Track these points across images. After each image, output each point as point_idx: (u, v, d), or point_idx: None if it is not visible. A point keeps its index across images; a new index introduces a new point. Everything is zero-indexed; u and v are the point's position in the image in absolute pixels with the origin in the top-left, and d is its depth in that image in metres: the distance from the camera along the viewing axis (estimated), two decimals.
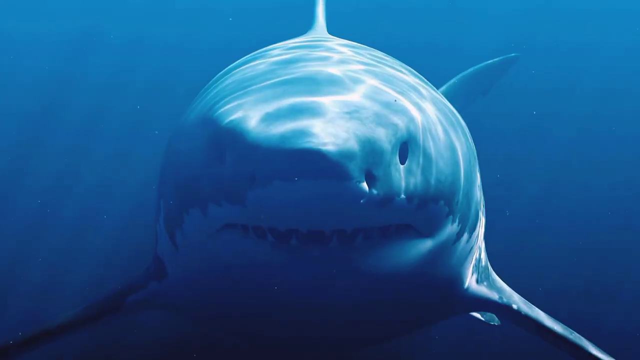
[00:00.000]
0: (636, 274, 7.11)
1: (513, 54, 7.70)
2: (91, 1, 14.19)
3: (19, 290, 6.14)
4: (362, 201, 2.11)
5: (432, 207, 2.37)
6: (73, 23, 13.59)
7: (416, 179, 2.30)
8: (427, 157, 2.37)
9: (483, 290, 3.07)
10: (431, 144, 2.42)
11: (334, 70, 2.60)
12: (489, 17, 15.12)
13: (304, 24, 4.44)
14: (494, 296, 3.10)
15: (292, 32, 4.06)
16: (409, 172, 2.28)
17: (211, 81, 3.11)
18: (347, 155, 2.05)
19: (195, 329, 4.66)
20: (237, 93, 2.48)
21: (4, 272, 6.46)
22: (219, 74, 3.17)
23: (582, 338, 3.15)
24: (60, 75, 11.76)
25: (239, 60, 3.22)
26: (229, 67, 3.20)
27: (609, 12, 14.83)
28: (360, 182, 2.09)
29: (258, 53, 3.23)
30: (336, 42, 3.38)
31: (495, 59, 7.47)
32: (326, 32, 4.31)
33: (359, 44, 3.44)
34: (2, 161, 8.87)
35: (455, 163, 2.54)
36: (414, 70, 3.20)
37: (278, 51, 3.09)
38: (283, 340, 3.16)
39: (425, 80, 3.16)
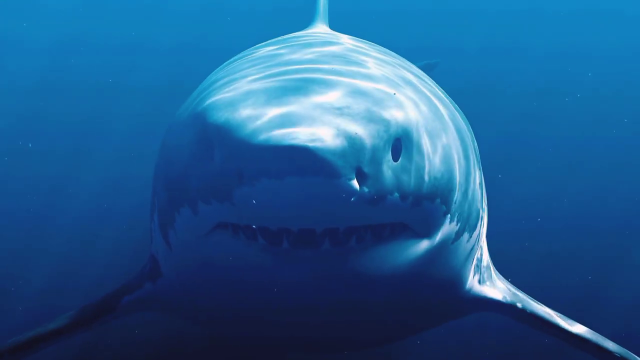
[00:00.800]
0: (636, 274, 7.11)
1: (435, 60, 7.63)
2: (93, 3, 14.19)
3: (21, 290, 6.14)
4: (352, 199, 2.07)
5: (427, 205, 2.32)
6: (74, 25, 13.60)
7: (410, 177, 2.25)
8: (422, 154, 2.32)
9: (486, 290, 3.04)
10: (427, 140, 2.37)
11: (327, 64, 2.57)
12: (487, 17, 15.12)
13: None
14: (498, 296, 3.09)
15: (297, 30, 4.04)
16: (402, 169, 2.24)
17: (207, 77, 3.07)
18: (335, 152, 2.01)
19: (194, 330, 4.64)
20: (227, 88, 2.44)
21: (5, 273, 6.46)
22: (216, 69, 3.15)
23: (593, 331, 3.14)
24: (59, 77, 11.76)
25: (235, 56, 3.21)
26: (225, 62, 3.19)
27: (605, 13, 14.83)
28: (350, 179, 2.04)
29: (253, 48, 3.20)
30: (332, 36, 3.34)
31: (418, 64, 7.44)
32: (327, 26, 4.27)
33: (356, 38, 3.40)
34: (2, 162, 8.87)
35: (453, 160, 2.50)
36: (412, 64, 3.16)
37: (272, 46, 3.06)
38: (278, 341, 3.12)
39: (424, 74, 3.11)
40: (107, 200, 8.06)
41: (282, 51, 2.85)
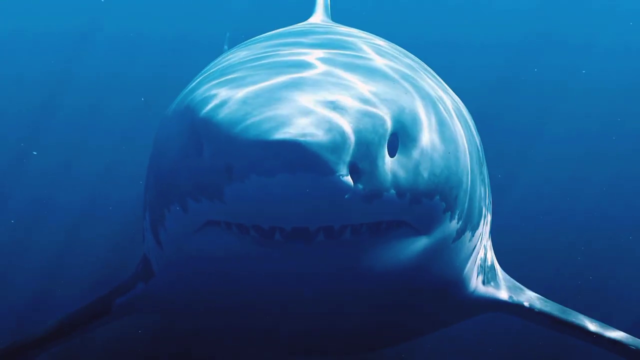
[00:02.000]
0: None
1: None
2: None
3: (19, 286, 6.11)
4: (346, 196, 1.99)
5: (426, 202, 2.23)
6: (72, 20, 13.61)
7: (407, 173, 2.16)
8: (420, 149, 2.23)
9: (491, 291, 2.97)
10: (425, 135, 2.27)
11: (323, 56, 2.49)
12: (493, 12, 15.07)
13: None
14: (504, 296, 3.02)
15: (298, 22, 3.98)
16: (399, 165, 2.15)
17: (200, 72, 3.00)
18: (328, 147, 1.93)
19: (189, 330, 4.60)
20: (217, 81, 2.36)
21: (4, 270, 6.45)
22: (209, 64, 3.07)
23: (605, 325, 3.08)
24: (58, 72, 11.77)
25: (229, 50, 3.14)
26: (219, 56, 3.12)
27: (615, 8, 14.77)
28: (343, 175, 1.96)
29: (247, 41, 3.13)
30: (330, 27, 3.27)
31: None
32: (327, 18, 4.19)
33: (354, 29, 3.33)
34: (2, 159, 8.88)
35: (454, 156, 2.39)
36: (412, 55, 3.07)
37: (267, 39, 2.98)
38: (273, 340, 3.02)
39: (426, 66, 3.03)
40: (109, 196, 8.06)
41: (276, 44, 2.77)
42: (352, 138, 1.99)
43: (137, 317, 3.34)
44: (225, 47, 7.69)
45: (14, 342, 3.06)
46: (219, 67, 2.65)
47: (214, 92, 2.26)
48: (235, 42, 3.42)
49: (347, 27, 3.48)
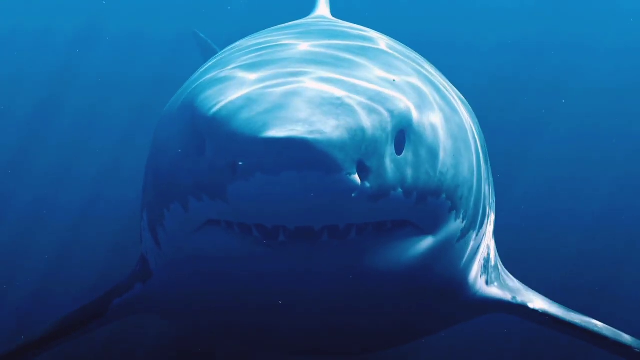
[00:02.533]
0: None
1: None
2: None
3: (19, 286, 6.09)
4: (353, 195, 1.96)
5: (432, 201, 2.21)
6: (73, 18, 13.58)
7: (415, 171, 2.14)
8: (427, 147, 2.20)
9: (494, 291, 2.94)
10: (432, 133, 2.25)
11: (325, 51, 2.45)
12: (494, 11, 15.04)
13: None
14: (507, 297, 2.99)
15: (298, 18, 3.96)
16: (406, 163, 2.12)
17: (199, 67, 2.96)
18: (335, 144, 1.89)
19: (192, 331, 4.58)
20: (218, 78, 2.32)
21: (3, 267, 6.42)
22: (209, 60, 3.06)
23: (609, 327, 3.05)
24: (59, 72, 11.74)
25: (228, 46, 3.11)
26: (218, 53, 3.09)
27: (615, 8, 14.74)
28: (350, 174, 1.93)
29: (248, 37, 3.09)
30: (332, 23, 3.25)
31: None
32: (328, 13, 4.18)
33: (356, 25, 3.31)
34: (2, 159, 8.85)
35: (460, 154, 2.37)
36: (415, 53, 3.05)
37: (268, 34, 2.95)
38: (273, 341, 3.00)
39: (430, 63, 3.01)
40: (109, 193, 8.03)
41: (278, 39, 2.73)
42: (359, 135, 1.96)
43: (137, 317, 3.32)
44: (218, 49, 7.67)
45: (14, 342, 3.03)
46: (218, 64, 2.60)
47: (215, 88, 2.22)
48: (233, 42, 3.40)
49: (348, 22, 3.46)
